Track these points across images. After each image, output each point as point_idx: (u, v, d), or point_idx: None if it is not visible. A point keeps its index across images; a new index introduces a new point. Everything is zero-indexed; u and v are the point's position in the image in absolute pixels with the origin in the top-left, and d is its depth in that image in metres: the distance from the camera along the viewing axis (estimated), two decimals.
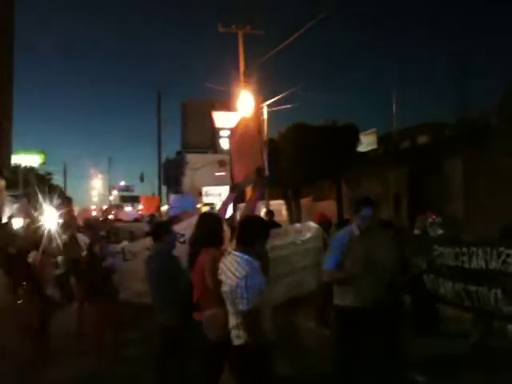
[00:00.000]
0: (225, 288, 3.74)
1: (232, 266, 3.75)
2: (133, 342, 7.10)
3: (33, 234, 9.81)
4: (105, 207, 54.39)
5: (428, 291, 5.73)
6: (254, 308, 3.58)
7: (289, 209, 22.43)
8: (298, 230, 7.02)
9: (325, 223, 8.01)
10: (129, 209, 59.14)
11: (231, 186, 7.05)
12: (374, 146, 23.41)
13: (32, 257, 7.44)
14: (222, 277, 3.79)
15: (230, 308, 3.74)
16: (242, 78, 22.03)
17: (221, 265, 3.86)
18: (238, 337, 3.69)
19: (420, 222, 8.51)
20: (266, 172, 5.43)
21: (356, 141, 20.29)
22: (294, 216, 21.10)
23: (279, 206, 22.43)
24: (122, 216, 24.91)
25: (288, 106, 21.27)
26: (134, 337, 7.25)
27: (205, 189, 35.67)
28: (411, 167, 16.15)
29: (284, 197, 22.64)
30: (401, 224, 12.86)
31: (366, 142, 23.70)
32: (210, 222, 4.68)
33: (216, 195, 32.25)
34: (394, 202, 16.36)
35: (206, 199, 34.89)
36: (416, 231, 8.39)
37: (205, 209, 28.72)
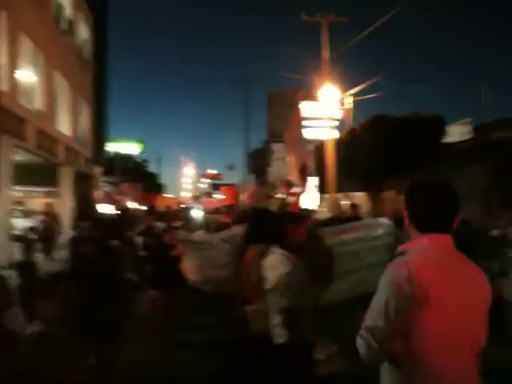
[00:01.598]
0: (267, 285, 3.77)
1: (275, 263, 3.77)
2: (198, 328, 7.33)
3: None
4: (191, 195, 56.29)
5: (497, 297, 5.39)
6: (295, 306, 3.58)
7: (370, 202, 21.92)
8: (369, 225, 6.86)
9: (399, 219, 7.75)
10: (216, 197, 60.80)
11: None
12: (468, 137, 22.29)
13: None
14: (267, 274, 3.83)
15: (271, 306, 3.76)
16: (326, 67, 21.75)
17: (265, 261, 3.89)
18: (279, 335, 3.71)
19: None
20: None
21: (442, 132, 19.37)
22: (376, 209, 20.58)
23: (361, 198, 21.99)
24: (205, 205, 25.61)
25: (371, 96, 20.72)
26: (200, 323, 7.48)
27: (289, 178, 35.77)
28: (503, 160, 15.11)
29: (365, 189, 22.16)
30: (478, 223, 12.13)
31: (458, 133, 22.70)
32: (261, 218, 4.69)
33: (299, 185, 32.22)
34: (481, 199, 15.42)
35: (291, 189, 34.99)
36: (496, 232, 7.88)
37: (291, 199, 28.81)
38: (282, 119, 43.26)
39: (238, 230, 7.72)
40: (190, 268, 8.75)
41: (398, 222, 7.22)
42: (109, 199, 23.35)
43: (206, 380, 5.31)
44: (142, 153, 52.44)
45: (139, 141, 49.61)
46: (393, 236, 6.34)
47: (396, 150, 17.25)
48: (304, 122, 23.64)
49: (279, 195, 30.41)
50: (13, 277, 6.61)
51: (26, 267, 9.12)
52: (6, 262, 10.30)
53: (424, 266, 2.10)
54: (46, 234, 13.07)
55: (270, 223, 4.56)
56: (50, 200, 19.08)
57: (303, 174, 28.29)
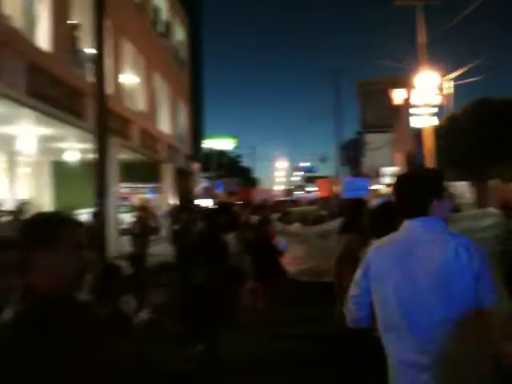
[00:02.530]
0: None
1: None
2: (298, 320, 7.40)
3: None
4: (286, 188, 56.65)
5: None
6: None
7: (474, 192, 20.75)
8: (476, 216, 6.56)
9: (509, 208, 7.32)
10: (310, 190, 60.71)
11: None
12: None
13: None
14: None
15: None
16: (422, 52, 20.89)
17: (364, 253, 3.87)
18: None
19: None
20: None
21: None
22: (480, 199, 19.47)
23: (463, 187, 20.89)
24: (300, 198, 25.71)
25: (473, 79, 19.56)
26: (300, 315, 7.54)
27: (382, 170, 34.94)
28: None
29: (468, 178, 21.00)
30: None
31: None
32: (355, 208, 4.69)
33: (390, 176, 31.37)
34: None
35: (382, 180, 34.20)
36: None
37: (387, 190, 28.08)
38: (376, 109, 42.20)
39: (333, 224, 7.72)
40: (288, 260, 8.87)
41: (506, 211, 6.82)
42: (208, 193, 24.17)
43: (305, 373, 5.38)
44: (236, 147, 53.76)
45: (233, 136, 50.90)
46: (501, 228, 6.02)
47: (501, 135, 16.17)
48: (404, 110, 22.87)
49: (374, 186, 29.75)
50: (124, 267, 7.11)
51: (135, 258, 9.73)
52: (116, 253, 11.08)
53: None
54: (143, 228, 13.87)
55: (365, 214, 4.54)
56: (144, 196, 20.12)
57: (409, 163, 27.40)
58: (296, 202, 19.33)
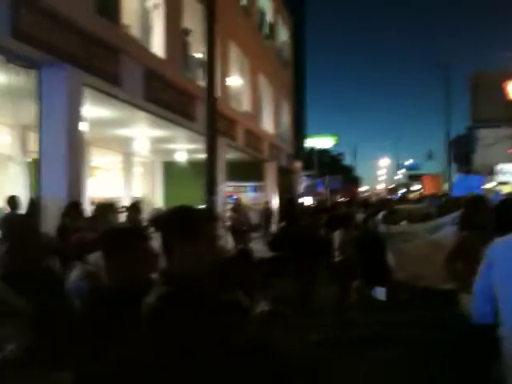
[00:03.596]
0: None
1: None
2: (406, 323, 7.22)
3: None
4: (390, 186, 55.07)
5: None
6: None
7: None
8: None
9: None
10: (417, 187, 58.49)
11: None
12: None
13: None
14: None
15: None
16: None
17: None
18: None
19: None
20: None
21: None
22: None
23: None
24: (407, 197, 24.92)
25: None
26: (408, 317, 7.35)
27: (499, 166, 32.76)
28: None
29: None
30: None
31: None
32: (472, 205, 4.52)
33: (511, 173, 29.29)
34: None
35: (500, 177, 32.11)
36: None
37: (500, 188, 26.39)
38: (489, 103, 39.63)
39: (444, 220, 7.41)
40: (395, 261, 8.66)
41: None
42: (310, 191, 24.24)
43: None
44: (336, 145, 53.25)
45: (333, 134, 50.54)
46: None
47: None
48: None
49: (489, 184, 28.02)
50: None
51: (244, 254, 10.03)
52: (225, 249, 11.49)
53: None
54: (238, 226, 14.32)
55: (485, 211, 4.36)
56: (240, 195, 20.55)
57: None
58: (402, 200, 18.77)
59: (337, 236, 7.94)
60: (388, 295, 7.92)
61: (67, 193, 7.41)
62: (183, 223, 1.92)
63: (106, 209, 6.61)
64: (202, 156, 17.21)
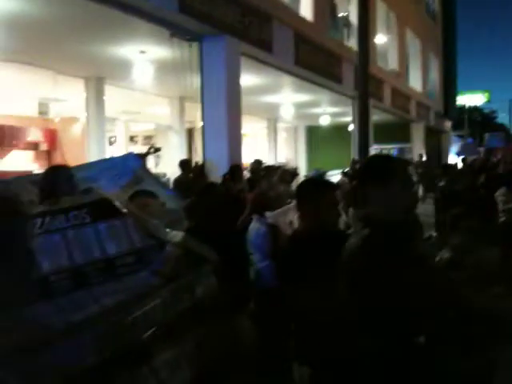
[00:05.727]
0: None
1: None
2: None
3: None
4: None
5: None
6: None
7: None
8: None
9: None
10: None
11: None
12: None
13: None
14: None
15: None
16: None
17: None
18: None
19: None
20: None
21: None
22: None
23: None
24: None
25: None
26: None
27: None
28: None
29: None
30: None
31: None
32: None
33: None
34: None
35: None
36: None
37: None
38: None
39: None
40: None
41: None
42: (466, 151, 22.70)
43: None
44: (488, 102, 48.93)
45: (484, 90, 46.54)
46: None
47: None
48: None
49: None
50: None
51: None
52: None
53: None
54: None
55: None
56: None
57: None
58: None
59: (499, 196, 7.41)
60: None
61: (228, 157, 7.83)
62: (379, 170, 2.03)
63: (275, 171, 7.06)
64: (347, 119, 17.16)
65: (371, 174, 2.06)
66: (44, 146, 15.04)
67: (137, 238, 2.08)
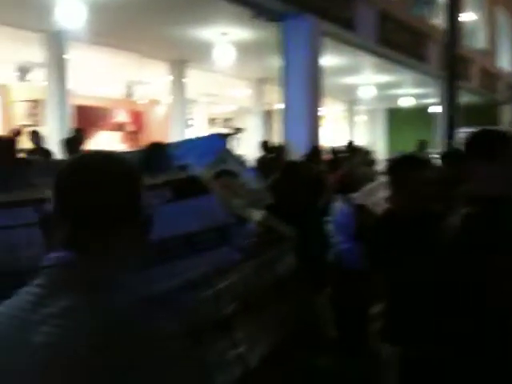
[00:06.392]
0: None
1: None
2: None
3: None
4: None
5: None
6: None
7: None
8: None
9: None
10: None
11: None
12: None
13: None
14: None
15: None
16: None
17: None
18: None
19: None
20: None
21: None
22: None
23: None
24: None
25: None
26: None
27: None
28: None
29: None
30: None
31: None
32: None
33: None
34: None
35: None
36: None
37: None
38: None
39: None
40: None
41: None
42: None
43: None
44: None
45: None
46: None
47: None
48: None
49: None
50: None
51: None
52: None
53: None
54: None
55: None
56: None
57: None
58: None
59: None
60: None
61: (307, 140, 7.77)
62: (484, 145, 1.97)
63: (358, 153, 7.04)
64: (430, 101, 16.46)
65: (475, 148, 2.00)
66: (130, 127, 15.67)
67: (221, 215, 2.13)
